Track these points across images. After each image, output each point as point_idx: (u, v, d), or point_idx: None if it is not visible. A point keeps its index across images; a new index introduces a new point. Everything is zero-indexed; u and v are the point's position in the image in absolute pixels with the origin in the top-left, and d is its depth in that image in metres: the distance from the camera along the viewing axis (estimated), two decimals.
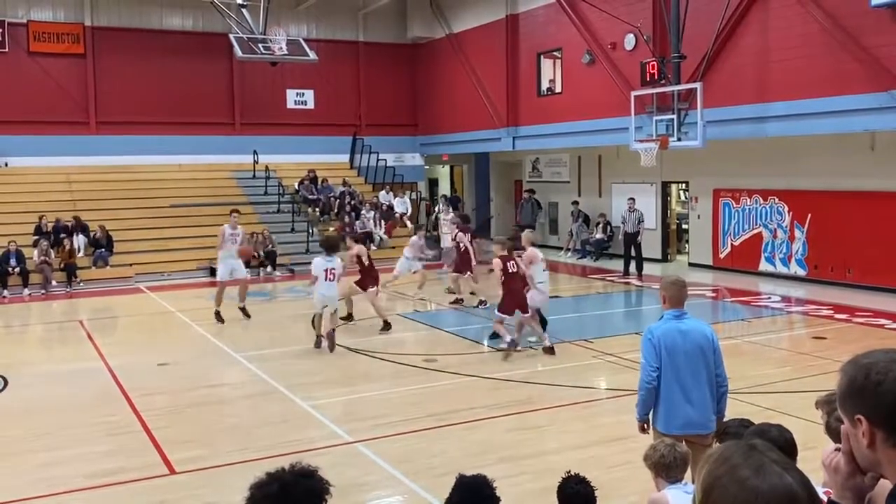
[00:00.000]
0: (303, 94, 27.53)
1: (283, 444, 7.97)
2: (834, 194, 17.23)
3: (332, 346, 12.05)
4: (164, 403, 9.62)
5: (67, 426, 8.78)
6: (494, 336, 12.23)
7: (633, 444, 6.58)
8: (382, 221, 24.55)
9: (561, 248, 24.68)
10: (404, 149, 29.13)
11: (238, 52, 20.38)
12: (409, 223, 25.69)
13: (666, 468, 4.40)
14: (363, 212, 24.25)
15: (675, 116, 17.40)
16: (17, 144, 23.41)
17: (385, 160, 27.49)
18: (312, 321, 13.38)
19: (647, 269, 19.64)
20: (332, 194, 24.99)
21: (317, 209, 24.70)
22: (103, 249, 20.64)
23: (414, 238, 17.54)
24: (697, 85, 16.93)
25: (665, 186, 22.13)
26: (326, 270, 12.09)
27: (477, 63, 25.94)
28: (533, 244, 12.60)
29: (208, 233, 22.07)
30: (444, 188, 33.10)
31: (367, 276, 13.89)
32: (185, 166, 25.26)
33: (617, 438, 7.75)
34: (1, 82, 23.55)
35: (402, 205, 25.97)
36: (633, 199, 20.60)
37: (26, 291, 18.79)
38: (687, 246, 21.97)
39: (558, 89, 23.39)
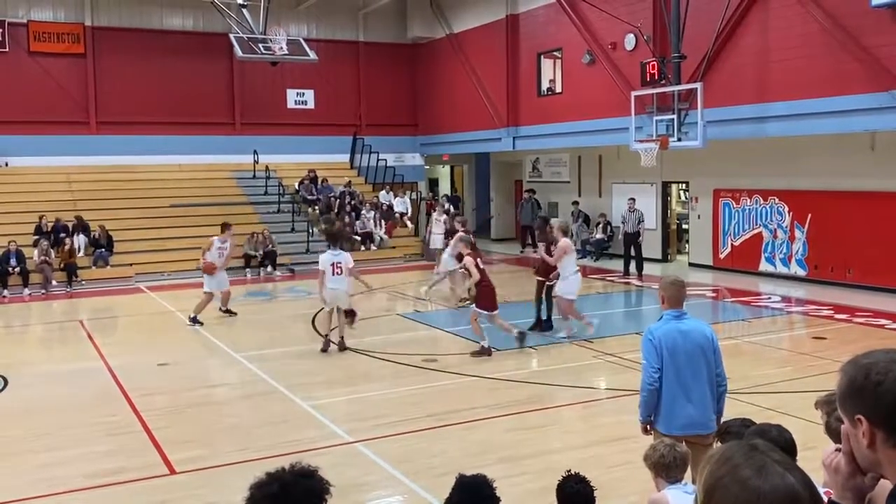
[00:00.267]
0: (303, 93, 27.54)
1: (283, 444, 7.97)
2: (834, 194, 17.23)
3: (342, 346, 11.92)
4: (164, 403, 9.62)
5: (67, 426, 8.78)
6: (521, 337, 12.37)
7: (633, 445, 6.58)
8: (382, 221, 24.56)
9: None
10: (404, 149, 29.14)
11: (238, 51, 20.38)
12: (409, 223, 25.72)
13: (665, 468, 4.40)
14: (363, 212, 24.25)
15: (675, 116, 17.40)
16: (18, 144, 23.42)
17: (385, 160, 27.49)
18: (313, 321, 13.38)
19: (648, 269, 19.64)
20: (332, 194, 24.99)
21: (317, 209, 24.69)
22: (103, 249, 20.65)
23: (461, 235, 16.91)
24: (698, 85, 16.93)
25: (665, 186, 22.13)
26: (333, 265, 11.94)
27: (477, 63, 25.94)
28: (564, 233, 12.68)
29: (208, 233, 22.00)
30: (445, 188, 33.11)
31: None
32: (186, 166, 25.26)
33: (617, 438, 7.76)
34: (1, 82, 23.55)
35: (402, 205, 25.98)
36: (633, 199, 20.60)
37: (26, 291, 18.80)
38: (687, 246, 21.97)
39: (558, 89, 23.39)
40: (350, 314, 12.71)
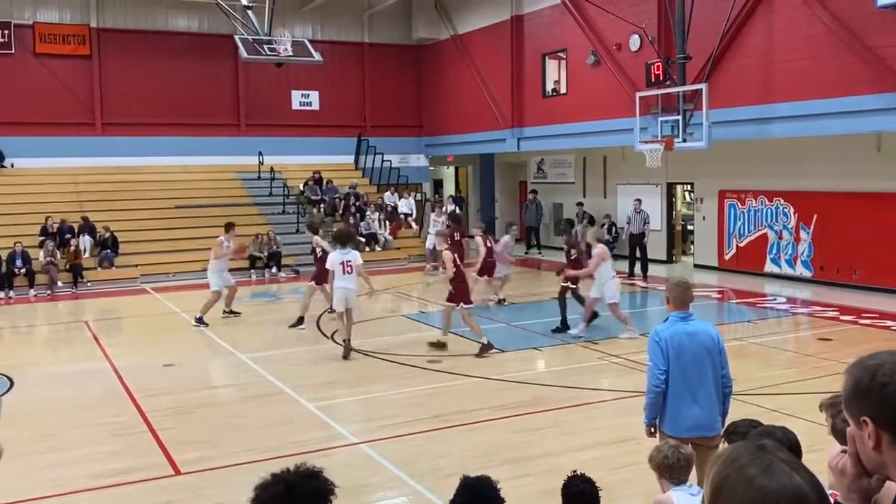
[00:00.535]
0: (308, 95, 27.56)
1: (289, 444, 7.98)
2: (840, 195, 17.19)
3: (346, 353, 11.75)
4: (170, 404, 9.64)
5: (73, 427, 8.81)
6: (561, 329, 12.84)
7: (638, 446, 6.57)
8: (387, 223, 24.57)
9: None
10: (409, 150, 29.16)
11: (243, 53, 20.40)
12: (413, 224, 25.73)
13: (670, 469, 4.40)
14: (368, 213, 24.27)
15: (680, 117, 17.37)
16: (23, 145, 23.49)
17: (390, 161, 27.51)
18: (318, 322, 13.37)
19: (652, 270, 19.62)
20: (336, 195, 25.02)
21: (321, 210, 24.71)
22: (109, 250, 20.70)
23: (506, 238, 16.67)
24: (703, 86, 16.91)
25: (670, 188, 22.10)
26: (343, 264, 11.70)
27: (482, 64, 25.95)
28: (599, 240, 12.85)
29: (213, 234, 22.02)
30: (449, 189, 33.09)
31: (320, 271, 14.05)
32: (191, 167, 25.31)
33: (622, 440, 7.75)
34: (7, 83, 23.63)
35: (406, 206, 25.99)
36: (639, 199, 20.60)
37: (32, 292, 18.85)
38: (692, 247, 21.94)
39: (563, 90, 23.38)
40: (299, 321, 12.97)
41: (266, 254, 21.37)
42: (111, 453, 7.95)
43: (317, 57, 21.57)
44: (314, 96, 27.65)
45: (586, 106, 21.51)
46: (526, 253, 25.24)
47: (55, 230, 20.53)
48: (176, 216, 22.74)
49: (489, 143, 26.23)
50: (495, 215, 29.50)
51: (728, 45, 17.53)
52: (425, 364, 11.30)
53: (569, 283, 13.44)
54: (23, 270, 18.98)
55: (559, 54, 23.48)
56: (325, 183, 25.48)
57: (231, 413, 9.43)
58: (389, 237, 24.21)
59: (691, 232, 22.09)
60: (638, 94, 18.55)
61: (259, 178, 25.18)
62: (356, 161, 28.13)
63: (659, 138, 17.80)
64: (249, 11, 21.12)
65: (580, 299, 13.53)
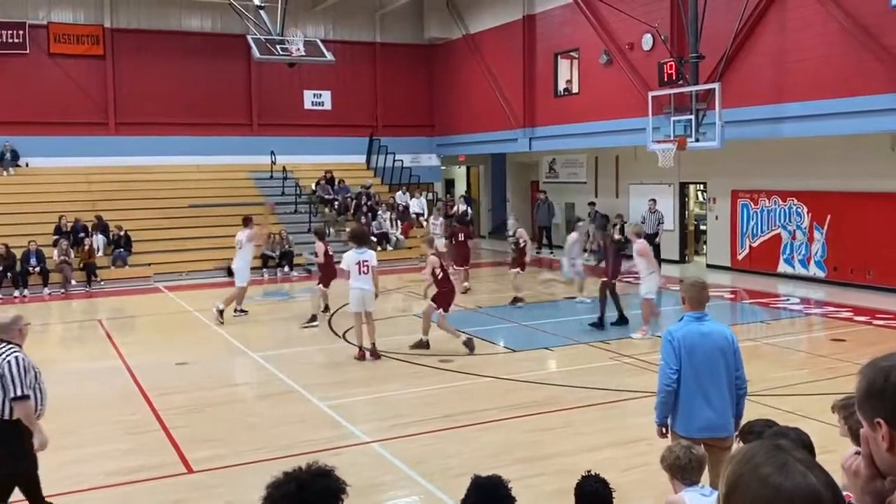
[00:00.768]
0: (320, 94, 27.63)
1: (300, 443, 8.00)
2: (853, 195, 17.09)
3: (375, 354, 11.55)
4: (183, 403, 9.68)
5: (86, 425, 8.85)
6: (598, 324, 13.10)
7: (650, 447, 6.55)
8: (398, 222, 24.59)
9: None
10: (421, 149, 29.18)
11: (256, 53, 20.45)
12: (425, 224, 25.73)
13: (681, 470, 4.39)
14: (379, 212, 24.30)
15: (693, 117, 17.31)
16: (38, 145, 23.65)
17: (401, 161, 27.54)
18: (329, 321, 13.38)
19: (665, 270, 19.52)
20: (348, 195, 25.07)
21: (334, 209, 24.77)
22: (122, 249, 20.81)
23: (573, 235, 16.59)
24: (716, 85, 16.84)
25: (683, 187, 22.02)
26: (359, 263, 11.40)
27: (494, 63, 25.93)
28: (638, 236, 12.88)
29: (226, 233, 22.18)
30: (461, 189, 33.09)
31: (325, 273, 14.75)
32: (204, 167, 25.42)
33: (633, 440, 7.73)
34: (22, 83, 23.79)
35: (418, 205, 26.00)
36: (654, 199, 20.57)
37: (46, 291, 18.97)
38: (705, 247, 21.86)
39: (575, 90, 23.34)
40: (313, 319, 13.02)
41: (278, 253, 21.43)
42: (125, 451, 8.00)
43: (329, 57, 21.59)
44: (326, 96, 27.71)
45: (598, 105, 21.46)
46: (537, 252, 25.19)
47: (69, 229, 20.66)
48: (189, 215, 22.84)
49: (501, 143, 26.21)
50: (506, 215, 29.46)
51: (741, 45, 17.46)
52: (437, 364, 11.30)
53: (611, 281, 13.62)
54: (37, 269, 19.11)
55: (571, 54, 23.44)
56: (337, 182, 25.53)
57: (243, 412, 9.46)
58: (401, 237, 24.24)
59: (704, 232, 22.00)
60: (650, 94, 18.49)
61: (271, 177, 25.25)
62: (368, 161, 28.17)
63: (671, 138, 17.75)
64: (262, 11, 21.17)
65: (616, 298, 13.67)
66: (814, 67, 16.00)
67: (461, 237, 18.19)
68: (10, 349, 5.80)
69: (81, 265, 19.80)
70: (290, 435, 8.35)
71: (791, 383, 9.88)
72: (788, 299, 16.40)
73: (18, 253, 19.14)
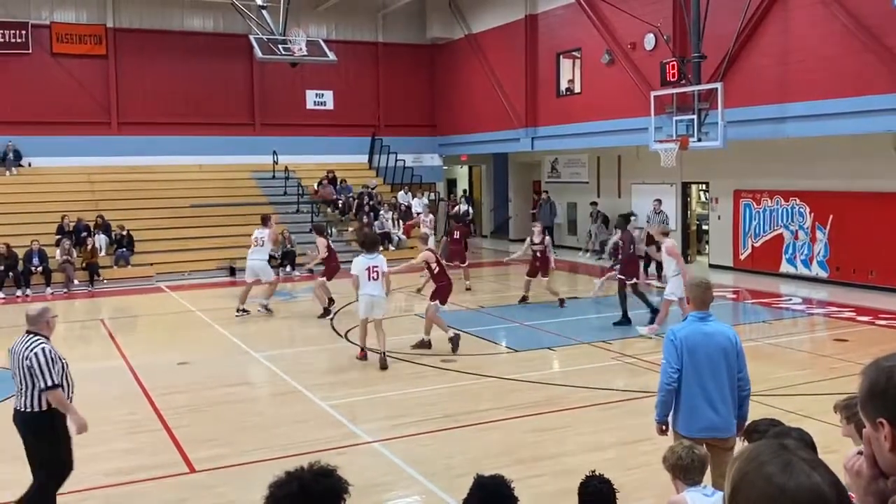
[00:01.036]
0: (322, 94, 27.64)
1: (303, 443, 8.00)
2: (856, 195, 17.07)
3: (383, 364, 11.11)
4: (185, 402, 9.69)
5: (89, 424, 8.83)
6: (623, 323, 13.18)
7: (652, 447, 6.55)
8: (400, 222, 24.59)
9: (580, 249, 24.62)
10: (423, 149, 29.17)
11: (258, 53, 20.47)
12: (426, 223, 25.71)
13: (683, 470, 4.39)
14: (381, 212, 24.30)
15: (695, 117, 17.29)
16: (40, 145, 23.67)
17: (403, 161, 27.54)
18: (331, 321, 13.35)
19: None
20: (350, 194, 25.08)
21: (336, 209, 24.78)
22: (124, 249, 20.83)
23: (635, 234, 16.00)
24: (718, 85, 16.82)
25: (685, 187, 22.01)
26: (369, 269, 11.02)
27: (496, 63, 25.93)
28: (665, 235, 12.90)
29: (228, 233, 22.28)
30: (465, 189, 33.08)
31: (329, 267, 15.14)
32: (206, 167, 25.44)
33: (635, 441, 7.72)
34: (24, 83, 23.82)
35: (420, 205, 26.00)
36: (659, 200, 20.57)
37: (49, 290, 18.99)
38: (707, 247, 21.84)
39: (577, 89, 23.33)
40: (325, 312, 13.01)
41: (280, 253, 21.44)
42: (127, 451, 8.00)
43: (331, 56, 21.61)
44: (328, 96, 27.72)
45: (601, 105, 21.45)
46: None
47: (71, 229, 20.68)
48: (191, 215, 22.86)
49: (503, 143, 26.20)
50: (509, 215, 29.47)
51: (743, 45, 17.45)
52: (439, 364, 11.30)
53: (624, 278, 13.60)
54: (39, 269, 19.13)
55: (573, 53, 23.44)
56: (339, 182, 25.54)
57: (245, 411, 9.47)
58: (403, 236, 24.23)
59: (706, 232, 21.99)
60: (653, 94, 18.48)
61: (273, 177, 25.26)
62: (370, 160, 28.19)
63: (674, 138, 17.73)
64: (264, 11, 21.20)
65: (642, 296, 13.69)
66: (816, 67, 15.98)
67: (456, 235, 18.31)
68: (37, 341, 6.02)
69: (84, 265, 19.83)
70: (292, 434, 8.36)
71: (793, 383, 9.88)
72: (791, 299, 16.38)
73: (21, 252, 19.16)
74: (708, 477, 4.80)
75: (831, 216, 17.65)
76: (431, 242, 19.83)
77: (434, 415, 8.97)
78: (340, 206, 24.73)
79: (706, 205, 21.99)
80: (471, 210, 27.50)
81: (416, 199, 26.15)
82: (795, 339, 13.21)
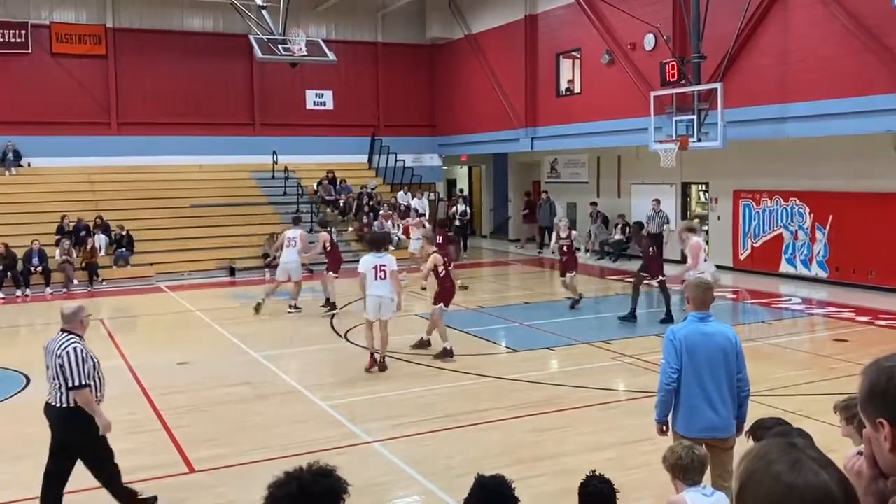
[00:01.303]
0: (322, 94, 27.63)
1: (302, 443, 8.00)
2: (855, 196, 17.07)
3: (382, 366, 10.85)
4: (184, 402, 9.69)
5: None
6: (629, 319, 13.34)
7: (652, 447, 6.55)
8: (399, 222, 24.57)
9: (579, 249, 24.59)
10: (423, 149, 29.17)
11: (258, 53, 20.46)
12: (426, 224, 25.71)
13: (683, 470, 4.39)
14: (381, 212, 24.29)
15: (695, 117, 17.30)
16: (40, 145, 23.66)
17: (403, 161, 27.54)
18: (331, 321, 13.32)
19: (667, 270, 19.48)
20: (350, 194, 25.08)
21: (336, 209, 24.77)
22: (124, 249, 20.82)
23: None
24: (718, 85, 16.83)
25: (685, 187, 22.01)
26: (376, 268, 10.62)
27: (495, 63, 25.93)
28: (693, 232, 12.91)
29: (228, 233, 22.29)
30: (464, 189, 33.06)
31: (333, 260, 15.66)
32: (205, 166, 25.44)
33: (635, 440, 7.72)
34: (24, 83, 23.82)
35: (420, 205, 25.99)
36: (658, 200, 20.57)
37: (48, 290, 18.99)
38: (707, 247, 21.79)
39: (577, 90, 23.33)
40: (331, 306, 13.02)
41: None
42: (126, 451, 7.96)
43: (331, 57, 21.60)
44: (328, 96, 27.71)
45: (600, 105, 21.46)
46: (539, 253, 25.22)
47: (71, 229, 20.68)
48: (191, 215, 22.86)
49: (503, 143, 26.20)
50: (508, 215, 29.47)
51: (743, 45, 17.45)
52: (438, 364, 11.29)
53: (646, 274, 13.87)
54: (39, 268, 19.13)
55: (573, 53, 23.44)
56: (339, 182, 25.54)
57: (245, 411, 9.46)
58: (402, 236, 24.21)
59: (706, 232, 21.96)
60: (652, 94, 18.48)
61: (273, 177, 25.26)
62: (370, 160, 28.18)
63: (674, 138, 17.74)
64: (264, 11, 21.19)
65: (665, 292, 13.88)
66: (816, 67, 15.98)
67: (440, 239, 18.38)
68: (69, 340, 6.20)
69: (83, 265, 19.82)
70: (291, 435, 8.35)
71: (793, 383, 9.88)
72: (790, 299, 16.38)
73: (21, 252, 19.16)
74: (708, 477, 4.80)
75: (831, 216, 17.65)
76: (417, 245, 19.97)
77: (434, 415, 8.97)
78: (341, 205, 24.70)
79: (706, 205, 21.98)
80: (468, 210, 27.51)
81: (415, 199, 26.14)
82: (795, 339, 13.21)
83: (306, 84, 27.09)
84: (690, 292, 5.72)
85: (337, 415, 9.05)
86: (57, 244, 19.80)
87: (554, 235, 15.85)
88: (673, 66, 17.96)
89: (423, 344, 11.99)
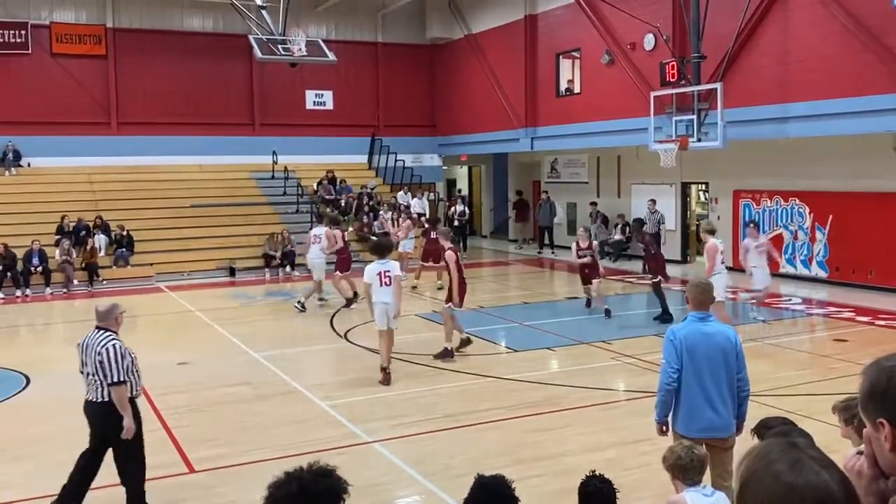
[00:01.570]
0: (322, 94, 27.63)
1: (302, 443, 8.00)
2: (855, 195, 17.07)
3: (385, 378, 10.47)
4: (184, 402, 9.69)
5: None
6: (666, 319, 13.34)
7: (652, 447, 6.56)
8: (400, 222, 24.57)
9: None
10: (422, 149, 29.17)
11: (258, 53, 20.46)
12: (426, 224, 25.71)
13: (683, 470, 4.39)
14: (381, 212, 24.29)
15: (694, 117, 17.30)
16: (40, 145, 23.66)
17: (403, 161, 27.54)
18: (331, 321, 13.33)
19: (667, 270, 19.50)
20: (350, 195, 25.08)
21: (336, 209, 24.76)
22: (124, 249, 20.82)
23: (747, 241, 14.91)
24: (717, 85, 16.82)
25: (685, 187, 22.01)
26: (381, 274, 10.35)
27: (495, 63, 25.92)
28: (712, 234, 12.83)
29: (228, 233, 22.30)
30: (463, 189, 33.08)
31: (342, 260, 15.86)
32: (205, 167, 25.44)
33: (635, 440, 7.73)
34: (24, 83, 23.82)
35: (419, 205, 26.00)
36: (653, 200, 20.55)
37: (48, 290, 18.99)
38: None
39: (577, 90, 23.33)
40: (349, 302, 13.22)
41: (280, 253, 21.44)
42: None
43: (331, 57, 21.60)
44: (328, 96, 27.71)
45: (600, 105, 21.45)
46: (539, 253, 25.22)
47: (71, 229, 20.67)
48: (191, 215, 22.86)
49: (503, 143, 26.20)
50: (508, 215, 29.46)
51: (743, 45, 17.44)
52: (438, 364, 11.29)
53: (658, 278, 13.94)
54: (39, 269, 19.13)
55: (573, 53, 23.44)
56: (338, 182, 25.54)
57: (245, 411, 9.46)
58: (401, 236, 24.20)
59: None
60: (652, 94, 18.48)
61: (273, 177, 25.26)
62: (370, 160, 28.18)
63: (673, 138, 17.73)
64: (264, 11, 21.19)
65: (660, 295, 13.95)
66: (816, 67, 15.97)
67: (432, 235, 18.56)
68: (108, 337, 6.37)
69: (83, 265, 19.82)
70: (291, 435, 8.36)
71: (793, 383, 9.88)
72: (790, 299, 16.38)
73: (21, 252, 19.16)
74: (708, 477, 4.80)
75: (831, 216, 17.66)
76: (410, 246, 20.05)
77: (434, 415, 8.97)
78: (343, 205, 24.69)
79: (706, 205, 21.99)
80: (467, 210, 27.51)
81: (415, 199, 26.14)
82: (795, 339, 13.21)
83: (306, 84, 27.09)
84: (690, 292, 5.72)
85: (337, 415, 9.05)
86: (57, 244, 19.80)
87: (574, 246, 15.22)
88: (673, 66, 17.96)
89: (465, 343, 11.90)
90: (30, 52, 24.02)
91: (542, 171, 27.69)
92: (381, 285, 10.35)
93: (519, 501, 3.76)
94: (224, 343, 13.24)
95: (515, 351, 12.26)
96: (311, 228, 18.16)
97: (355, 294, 15.58)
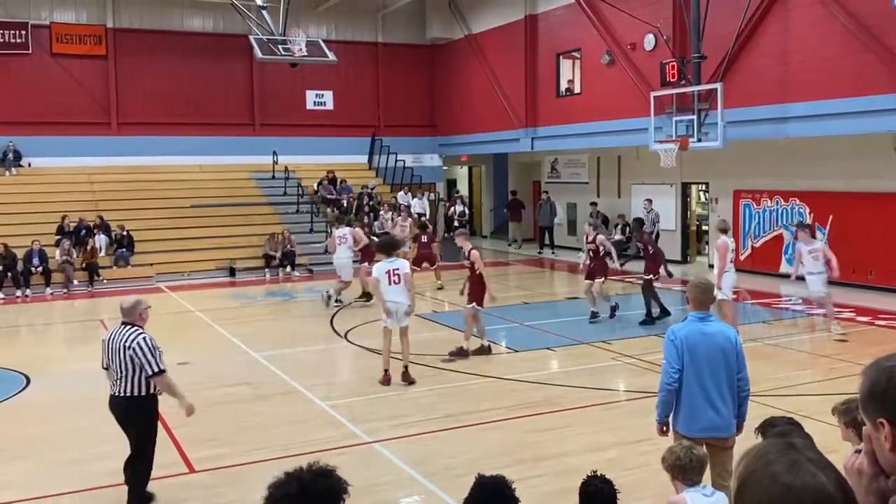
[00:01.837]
0: (322, 94, 27.63)
1: (302, 443, 8.00)
2: (855, 195, 17.06)
3: (407, 377, 10.33)
4: None
5: (87, 424, 8.84)
6: (663, 315, 13.45)
7: (652, 447, 6.55)
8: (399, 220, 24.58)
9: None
10: (423, 149, 29.17)
11: (258, 53, 20.47)
12: (427, 224, 25.73)
13: (682, 470, 4.39)
14: (381, 212, 24.30)
15: (695, 117, 17.30)
16: (40, 145, 23.67)
17: (403, 161, 27.54)
18: (331, 321, 13.33)
19: (669, 268, 19.50)
20: (350, 195, 25.09)
21: (336, 209, 24.77)
22: (124, 249, 20.83)
23: (799, 245, 13.83)
24: (718, 85, 16.82)
25: (685, 187, 22.00)
26: (389, 272, 10.22)
27: (496, 63, 25.93)
28: (724, 232, 12.69)
29: (228, 233, 22.30)
30: (463, 189, 33.07)
31: (367, 253, 16.08)
32: (206, 167, 25.44)
33: (635, 441, 7.72)
34: (24, 83, 23.82)
35: (420, 205, 26.01)
36: (649, 199, 20.56)
37: (49, 290, 18.99)
38: (707, 247, 21.82)
39: (577, 90, 23.33)
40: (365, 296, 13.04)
41: (280, 253, 21.44)
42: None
43: (331, 57, 21.61)
44: (328, 96, 27.72)
45: (600, 105, 21.46)
46: (539, 253, 25.22)
47: (71, 229, 20.68)
48: (191, 215, 22.87)
49: (503, 143, 26.20)
50: (502, 213, 29.46)
51: (743, 45, 17.44)
52: (438, 364, 11.30)
53: (652, 276, 13.89)
54: (39, 269, 19.13)
55: (573, 54, 23.44)
56: (339, 182, 25.54)
57: (245, 411, 9.46)
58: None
59: (706, 232, 21.97)
60: (652, 94, 18.48)
61: (273, 177, 25.26)
62: (370, 161, 28.19)
63: (674, 138, 17.73)
64: (264, 11, 21.19)
65: (652, 295, 13.90)
66: (816, 67, 15.97)
67: (424, 239, 18.62)
68: (136, 331, 6.48)
69: (84, 265, 19.83)
70: (291, 435, 8.36)
71: (793, 383, 9.88)
72: (791, 299, 16.37)
73: (21, 253, 19.16)
74: (708, 477, 4.80)
75: (831, 216, 17.65)
76: (405, 246, 20.04)
77: (434, 415, 8.97)
78: (344, 205, 24.69)
79: (706, 205, 21.99)
80: (466, 211, 27.51)
81: (415, 199, 26.15)
82: (795, 339, 13.21)
83: (306, 84, 27.10)
84: (690, 292, 5.72)
85: (337, 415, 9.05)
86: (57, 244, 19.80)
87: (585, 239, 14.89)
88: (673, 66, 17.96)
89: (484, 350, 11.87)
90: (30, 52, 24.02)
91: (542, 171, 27.68)
92: (389, 284, 10.25)
93: (519, 501, 3.75)
94: (224, 343, 13.24)
95: (516, 351, 12.27)
96: (332, 232, 17.85)
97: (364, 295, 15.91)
